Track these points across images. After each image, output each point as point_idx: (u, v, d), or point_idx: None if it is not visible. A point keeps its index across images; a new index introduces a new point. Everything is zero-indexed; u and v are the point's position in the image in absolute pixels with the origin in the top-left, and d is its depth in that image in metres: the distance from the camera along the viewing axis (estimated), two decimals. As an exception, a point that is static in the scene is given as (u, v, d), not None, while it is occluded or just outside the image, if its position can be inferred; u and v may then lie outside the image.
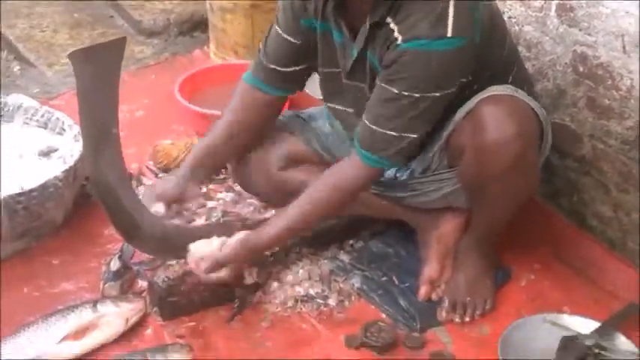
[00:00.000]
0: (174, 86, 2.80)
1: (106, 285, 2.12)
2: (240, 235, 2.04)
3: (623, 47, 2.14)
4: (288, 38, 2.11)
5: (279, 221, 2.05)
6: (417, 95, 1.85)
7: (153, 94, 2.93)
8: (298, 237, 2.25)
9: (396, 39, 1.84)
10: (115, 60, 1.85)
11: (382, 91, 1.90)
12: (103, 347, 1.98)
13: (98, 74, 1.81)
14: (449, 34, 1.79)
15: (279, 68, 2.15)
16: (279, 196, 2.25)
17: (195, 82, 2.89)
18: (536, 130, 1.99)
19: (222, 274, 2.01)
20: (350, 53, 2.00)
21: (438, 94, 1.86)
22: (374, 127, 1.91)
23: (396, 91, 1.86)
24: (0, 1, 3.60)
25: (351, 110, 2.14)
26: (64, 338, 1.94)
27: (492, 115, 1.90)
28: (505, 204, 2.04)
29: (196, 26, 3.40)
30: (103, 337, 1.99)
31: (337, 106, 2.19)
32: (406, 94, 1.85)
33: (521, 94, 1.97)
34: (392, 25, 1.85)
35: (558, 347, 1.93)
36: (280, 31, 2.12)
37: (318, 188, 2.02)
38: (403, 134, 1.90)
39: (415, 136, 1.91)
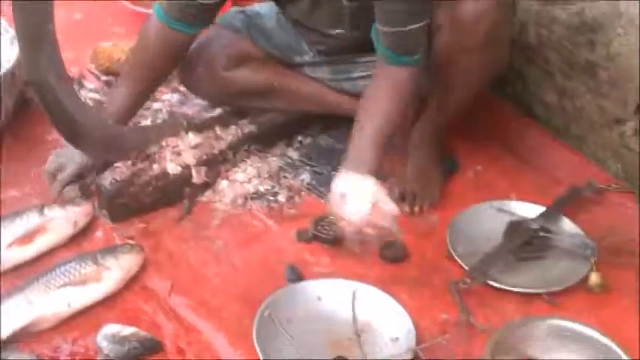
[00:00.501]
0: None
1: (65, 188, 2.09)
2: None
3: None
4: None
5: (366, 144, 1.96)
6: None
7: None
8: (243, 135, 2.24)
9: None
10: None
11: None
12: (52, 251, 1.97)
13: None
14: None
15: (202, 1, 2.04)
16: (225, 97, 2.26)
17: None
18: (505, 7, 2.00)
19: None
20: None
21: None
22: (400, 29, 1.88)
23: None
24: None
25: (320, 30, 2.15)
26: (12, 243, 1.93)
27: None
28: (475, 79, 2.06)
29: None
30: (51, 241, 1.98)
31: (303, 22, 2.18)
32: None
33: None
34: None
35: (505, 232, 1.98)
36: None
37: (382, 103, 1.97)
38: (421, 23, 1.89)
39: (429, 19, 1.91)
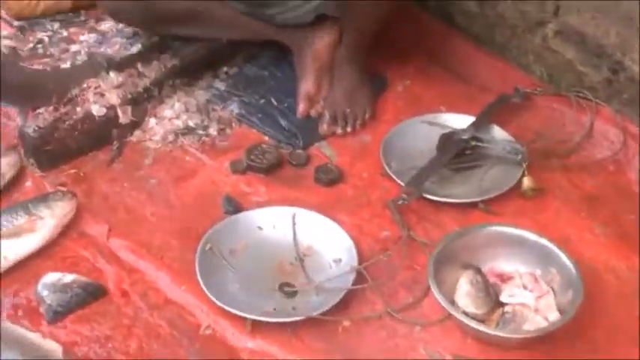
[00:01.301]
0: None
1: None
2: None
3: None
4: None
5: None
6: None
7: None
8: (166, 69, 2.20)
9: None
10: None
11: None
12: (-19, 203, 1.94)
13: None
14: None
15: None
16: (151, 24, 2.22)
17: None
18: None
19: None
20: None
21: None
22: None
23: None
24: None
25: None
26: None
27: None
28: (380, 4, 2.02)
29: None
30: (-21, 194, 1.94)
31: None
32: None
33: None
34: None
35: (437, 144, 2.00)
36: None
37: None
38: None
39: None
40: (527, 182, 1.90)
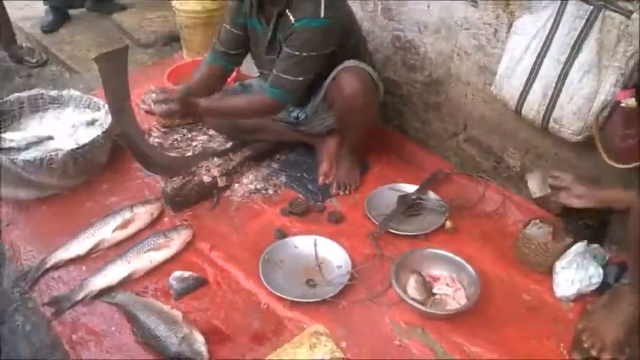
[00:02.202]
0: (164, 76, 2.65)
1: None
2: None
3: (419, 29, 2.12)
4: (233, 31, 1.99)
5: (214, 102, 1.93)
6: (304, 54, 1.80)
7: (153, 83, 2.72)
8: (245, 156, 2.18)
9: (292, 21, 1.78)
10: (122, 59, 1.76)
11: (284, 53, 1.83)
12: (139, 232, 1.92)
13: (113, 68, 1.72)
14: (322, 16, 1.75)
15: (229, 51, 2.02)
16: (234, 133, 2.21)
17: (178, 73, 2.72)
18: (372, 85, 1.95)
19: (168, 111, 1.78)
20: (266, 36, 1.91)
21: (314, 54, 1.81)
22: (279, 74, 1.84)
23: (291, 52, 1.80)
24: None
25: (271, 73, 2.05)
26: (115, 229, 1.89)
27: (347, 79, 1.88)
28: (360, 127, 2.02)
29: (172, 39, 3.20)
30: (138, 226, 1.93)
31: (263, 71, 2.09)
32: (297, 53, 1.80)
33: (363, 65, 1.93)
34: (289, 14, 1.79)
35: (397, 201, 1.98)
36: (228, 27, 1.99)
37: (242, 100, 1.96)
38: (296, 78, 1.83)
39: (302, 79, 1.84)
40: (448, 224, 1.89)
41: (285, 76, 1.83)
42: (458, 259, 1.70)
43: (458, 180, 2.14)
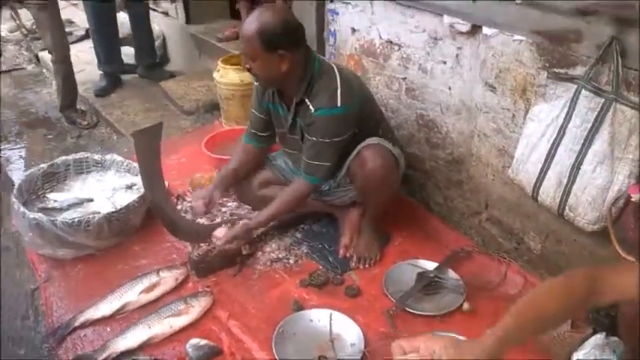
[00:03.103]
0: (202, 143, 2.80)
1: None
2: (242, 222, 2.07)
3: (441, 109, 2.20)
4: (259, 115, 2.13)
5: (262, 214, 2.07)
6: (327, 140, 1.90)
7: (191, 148, 2.91)
8: (271, 225, 2.24)
9: (311, 110, 1.89)
10: (157, 134, 1.88)
11: (309, 142, 1.94)
12: (163, 296, 1.98)
13: (148, 142, 1.85)
14: (339, 104, 1.85)
15: (258, 133, 2.16)
16: (259, 204, 2.25)
17: (215, 140, 2.87)
18: (393, 160, 2.02)
19: (233, 245, 2.04)
20: (288, 120, 2.03)
21: (337, 139, 1.91)
22: (310, 161, 1.96)
23: (315, 139, 1.91)
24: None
25: (294, 152, 2.15)
26: (141, 292, 1.95)
27: (368, 156, 1.96)
28: (381, 200, 2.07)
29: (213, 107, 3.38)
30: (163, 290, 1.99)
31: (287, 150, 2.20)
32: (320, 140, 1.90)
33: (384, 142, 2.01)
34: (307, 102, 1.91)
35: (416, 278, 1.97)
36: (255, 111, 2.14)
37: (284, 196, 2.04)
38: (324, 163, 1.95)
39: (329, 164, 1.96)
40: (466, 305, 1.86)
41: (315, 163, 1.95)
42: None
43: (479, 259, 2.12)
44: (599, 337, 1.58)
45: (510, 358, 1.64)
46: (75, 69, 3.55)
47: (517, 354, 1.67)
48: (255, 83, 2.08)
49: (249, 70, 1.90)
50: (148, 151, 1.85)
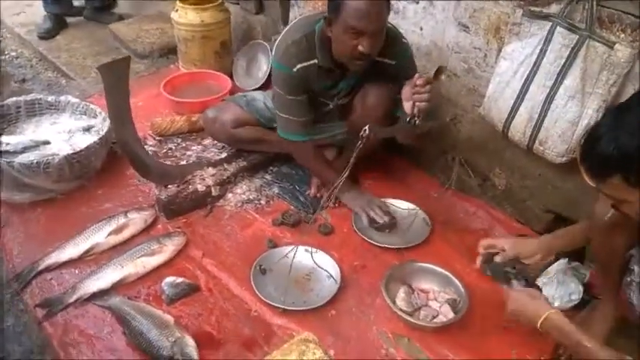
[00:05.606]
0: (160, 86, 2.68)
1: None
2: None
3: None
4: (304, 100, 1.99)
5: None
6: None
7: (148, 91, 2.78)
8: (240, 166, 2.21)
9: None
10: (124, 69, 1.79)
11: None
12: (133, 237, 1.93)
13: (116, 77, 1.74)
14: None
15: (308, 118, 2.04)
16: (231, 143, 2.23)
17: (173, 84, 2.76)
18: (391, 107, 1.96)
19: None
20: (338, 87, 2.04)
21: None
22: None
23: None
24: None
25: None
26: (109, 234, 1.90)
27: (373, 92, 1.97)
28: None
29: (170, 51, 3.21)
30: (132, 231, 1.94)
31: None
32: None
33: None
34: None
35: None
36: (298, 98, 1.97)
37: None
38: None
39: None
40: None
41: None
42: (447, 273, 1.73)
43: (446, 198, 2.16)
44: (561, 263, 1.67)
45: (479, 283, 1.75)
46: (15, 9, 3.26)
47: (485, 281, 1.76)
48: (294, 71, 1.89)
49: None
50: (115, 87, 1.75)
